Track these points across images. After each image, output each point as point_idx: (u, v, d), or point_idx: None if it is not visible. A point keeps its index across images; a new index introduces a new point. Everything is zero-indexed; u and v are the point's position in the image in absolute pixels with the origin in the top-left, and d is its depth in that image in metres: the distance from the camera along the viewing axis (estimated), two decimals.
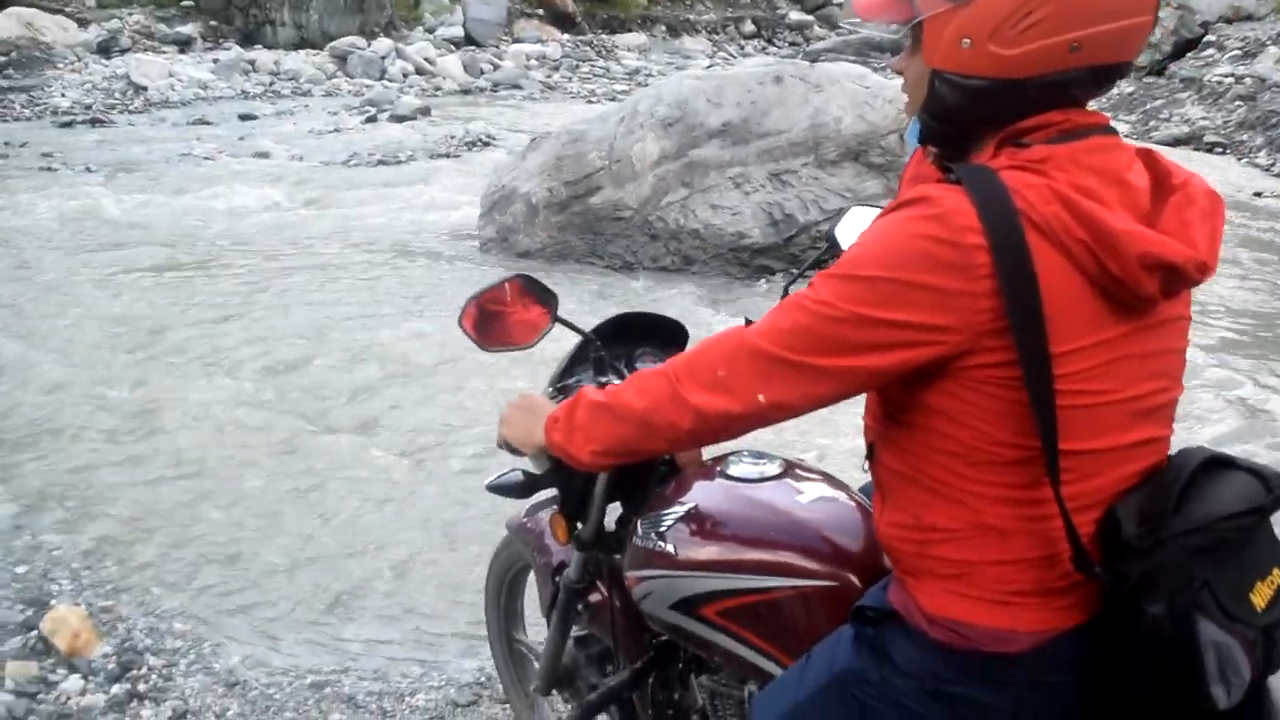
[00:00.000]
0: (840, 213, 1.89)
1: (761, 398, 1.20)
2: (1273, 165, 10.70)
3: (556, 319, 1.68)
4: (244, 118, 13.43)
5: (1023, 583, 1.22)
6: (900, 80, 1.29)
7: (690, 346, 1.53)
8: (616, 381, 1.66)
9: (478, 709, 2.71)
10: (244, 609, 3.14)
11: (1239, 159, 11.17)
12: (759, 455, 1.70)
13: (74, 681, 2.75)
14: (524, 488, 1.73)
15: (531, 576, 2.30)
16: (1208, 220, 1.20)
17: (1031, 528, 1.20)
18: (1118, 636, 1.17)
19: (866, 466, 1.38)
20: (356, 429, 4.42)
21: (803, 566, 1.49)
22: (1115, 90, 13.69)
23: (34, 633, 2.91)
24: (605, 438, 1.32)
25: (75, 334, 5.42)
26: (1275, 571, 1.20)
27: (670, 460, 1.79)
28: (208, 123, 12.94)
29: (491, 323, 1.67)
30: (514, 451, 1.57)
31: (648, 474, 1.78)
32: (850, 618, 1.36)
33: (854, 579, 1.47)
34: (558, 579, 1.98)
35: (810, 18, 25.27)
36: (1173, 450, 1.27)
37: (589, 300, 5.90)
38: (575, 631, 2.05)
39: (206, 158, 10.63)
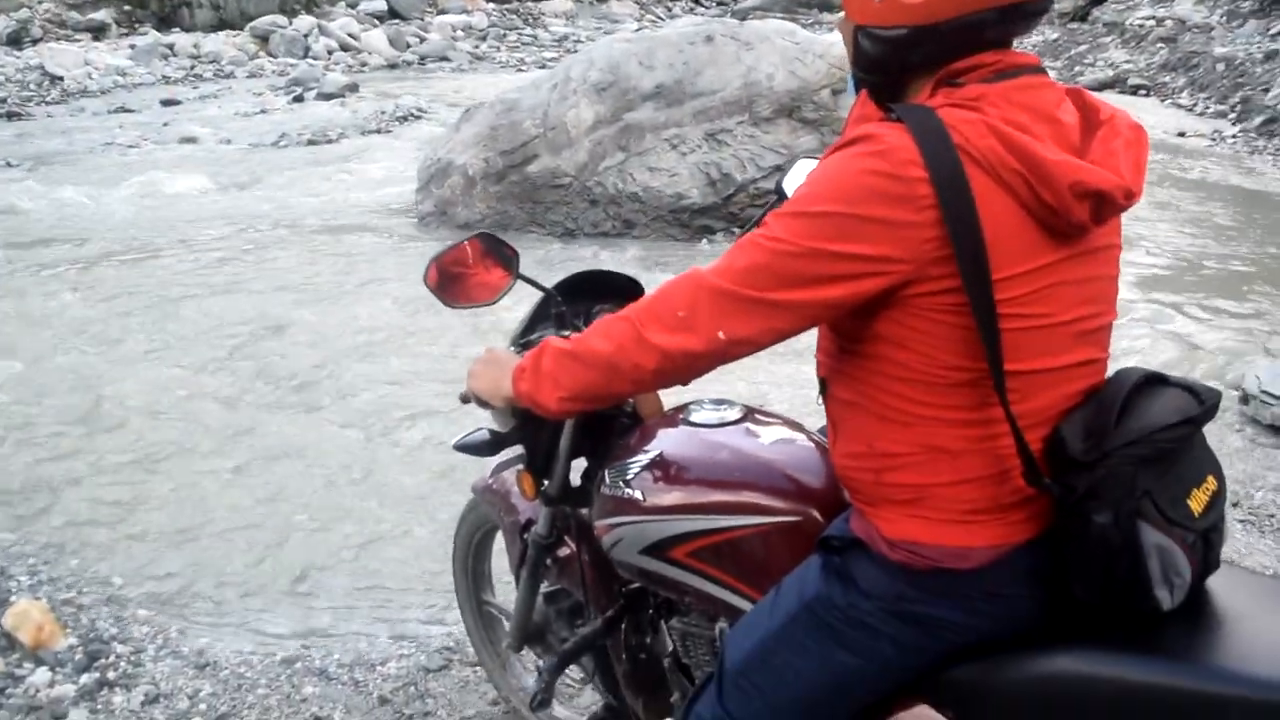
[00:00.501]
0: (786, 166, 1.94)
1: (722, 334, 1.24)
2: (1194, 105, 10.96)
3: (518, 276, 1.71)
4: (166, 103, 13.11)
5: (977, 501, 1.28)
6: (838, 36, 1.35)
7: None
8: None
9: (449, 673, 2.74)
10: (209, 591, 3.14)
11: (1162, 100, 11.44)
12: (719, 402, 1.75)
13: (41, 674, 2.73)
14: (490, 445, 1.77)
15: (498, 539, 2.34)
16: (1132, 150, 1.26)
17: (981, 447, 1.26)
18: (1068, 546, 1.24)
19: (820, 401, 1.43)
20: (309, 407, 4.40)
21: (767, 504, 1.55)
22: (1040, 36, 13.94)
23: None
24: (572, 383, 1.35)
25: (10, 331, 5.30)
26: (1209, 478, 1.29)
27: (633, 411, 1.83)
28: (129, 110, 12.61)
29: (454, 283, 1.69)
30: (481, 404, 1.60)
31: (611, 426, 1.82)
32: (816, 548, 1.41)
33: (816, 513, 1.52)
34: (526, 536, 2.02)
35: None
36: (1109, 373, 1.34)
37: (532, 268, 5.84)
38: (545, 587, 2.10)
39: (131, 146, 10.38)
